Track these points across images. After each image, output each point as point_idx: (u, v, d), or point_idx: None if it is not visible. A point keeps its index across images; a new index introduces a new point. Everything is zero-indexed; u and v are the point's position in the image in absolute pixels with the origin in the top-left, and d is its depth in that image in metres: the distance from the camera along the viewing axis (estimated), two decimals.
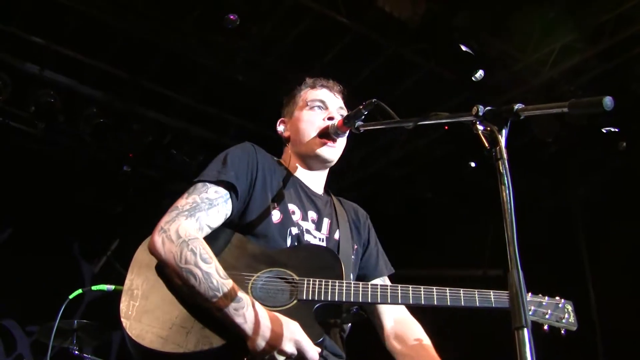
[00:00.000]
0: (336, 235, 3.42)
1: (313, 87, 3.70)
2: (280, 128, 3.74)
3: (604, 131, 8.65)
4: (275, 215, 3.22)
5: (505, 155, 2.20)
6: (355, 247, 3.51)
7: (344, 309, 3.15)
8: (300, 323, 2.75)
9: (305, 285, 2.92)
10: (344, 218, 3.54)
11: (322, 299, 2.90)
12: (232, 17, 7.71)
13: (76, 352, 7.23)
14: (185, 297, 2.80)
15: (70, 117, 9.25)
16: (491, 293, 3.04)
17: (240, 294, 2.74)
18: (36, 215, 10.16)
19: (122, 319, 2.74)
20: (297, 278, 2.94)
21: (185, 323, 2.72)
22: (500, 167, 2.18)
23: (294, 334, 2.69)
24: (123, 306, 2.78)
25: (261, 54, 8.71)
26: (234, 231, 3.14)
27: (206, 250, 2.83)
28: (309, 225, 3.35)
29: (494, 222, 9.34)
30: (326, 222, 3.45)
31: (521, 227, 2.08)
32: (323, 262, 3.07)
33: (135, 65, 8.91)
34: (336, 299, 2.92)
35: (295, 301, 2.86)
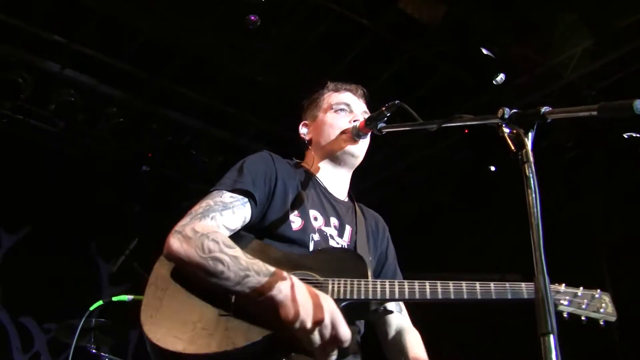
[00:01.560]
0: (357, 243, 3.40)
1: (337, 90, 3.69)
2: (302, 131, 3.71)
3: (625, 136, 8.59)
4: (296, 223, 3.19)
5: (531, 159, 2.18)
6: (370, 258, 3.44)
7: (370, 308, 3.11)
8: None
9: (330, 285, 2.87)
10: (362, 226, 3.51)
11: (349, 297, 2.85)
12: (252, 18, 7.72)
13: (94, 350, 7.23)
14: (207, 297, 2.74)
15: (90, 116, 9.28)
16: (523, 285, 2.94)
17: (271, 268, 2.69)
18: (54, 213, 10.21)
19: (143, 326, 2.69)
20: (322, 279, 2.90)
21: (207, 325, 2.67)
22: (527, 171, 2.15)
23: (330, 306, 2.60)
24: (144, 314, 2.73)
25: (281, 55, 8.71)
26: (254, 237, 3.11)
27: (228, 240, 2.80)
28: (332, 231, 3.32)
29: (512, 227, 9.34)
30: (348, 229, 3.42)
31: None
32: (346, 263, 3.02)
33: (155, 65, 8.92)
34: (362, 297, 2.87)
35: None
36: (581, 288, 3.12)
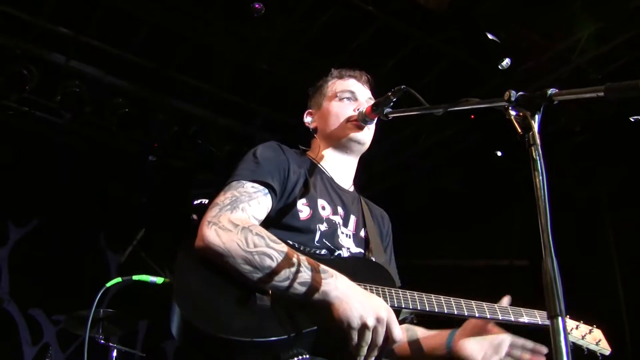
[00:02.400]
0: (362, 233, 3.40)
1: (341, 77, 3.69)
2: (307, 119, 3.71)
3: (632, 120, 8.55)
4: (304, 212, 3.17)
5: (538, 141, 2.15)
6: (386, 256, 3.48)
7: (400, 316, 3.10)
8: None
9: (368, 288, 2.86)
10: (369, 218, 3.51)
11: (397, 305, 2.88)
12: (257, 5, 7.70)
13: (102, 341, 7.24)
14: (250, 286, 2.69)
15: (96, 107, 9.26)
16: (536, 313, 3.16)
17: (323, 265, 2.70)
18: (62, 205, 10.23)
19: (180, 311, 2.59)
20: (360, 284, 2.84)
21: (248, 313, 2.61)
22: (534, 153, 2.13)
23: (387, 308, 2.61)
24: (180, 302, 2.62)
25: (287, 44, 8.69)
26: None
27: (272, 235, 2.78)
28: (338, 220, 3.31)
29: (520, 213, 9.34)
30: (353, 219, 3.41)
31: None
32: (369, 269, 3.08)
33: (160, 55, 8.91)
34: (396, 305, 2.87)
35: None
36: (581, 322, 3.35)
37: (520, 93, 2.33)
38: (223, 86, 9.49)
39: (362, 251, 3.33)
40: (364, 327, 2.55)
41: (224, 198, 2.94)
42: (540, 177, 2.09)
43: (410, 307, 2.90)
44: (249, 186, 3.01)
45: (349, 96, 3.57)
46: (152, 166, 10.37)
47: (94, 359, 7.29)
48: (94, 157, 10.31)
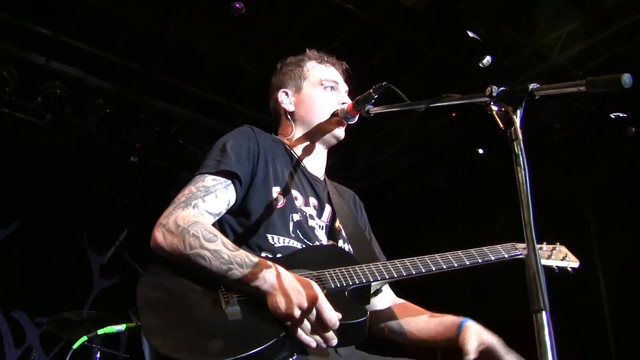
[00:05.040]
0: (336, 224, 3.38)
1: (321, 62, 3.64)
2: (282, 99, 3.61)
3: (613, 117, 8.61)
4: (279, 201, 3.16)
5: (520, 136, 2.17)
6: (368, 238, 3.48)
7: (370, 292, 3.11)
8: (338, 306, 2.63)
9: (328, 275, 2.86)
10: (342, 205, 3.47)
11: (351, 283, 2.86)
12: (237, 5, 7.68)
13: (85, 343, 7.20)
14: (210, 291, 2.68)
15: (77, 108, 9.25)
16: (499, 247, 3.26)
17: (255, 259, 2.68)
18: (44, 206, 10.20)
19: (146, 337, 2.50)
20: (315, 272, 2.87)
21: (221, 328, 2.55)
22: (516, 148, 2.15)
23: (316, 293, 2.57)
24: (144, 324, 2.54)
25: (269, 43, 8.67)
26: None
27: (209, 231, 2.77)
28: (311, 211, 3.30)
29: (502, 210, 9.37)
30: (328, 209, 3.41)
31: None
32: (332, 256, 3.06)
33: (142, 55, 8.88)
34: (364, 281, 2.88)
35: (325, 292, 2.70)
36: (544, 243, 3.41)
37: (502, 88, 2.34)
38: (205, 86, 9.47)
39: (335, 243, 3.31)
40: (290, 316, 2.54)
41: (181, 195, 2.96)
42: (523, 172, 2.10)
43: (371, 280, 2.91)
44: (210, 179, 3.02)
45: (333, 86, 3.54)
46: (135, 167, 10.34)
47: None
48: (75, 159, 10.25)
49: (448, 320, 3.21)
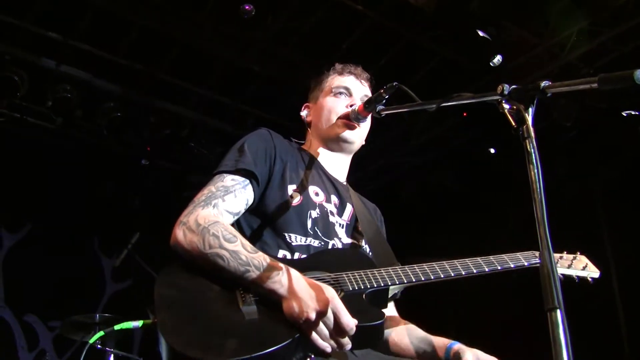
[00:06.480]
0: (357, 224, 3.38)
1: (340, 73, 3.67)
2: (303, 113, 3.72)
3: (624, 114, 8.58)
4: (295, 198, 3.17)
5: (532, 134, 2.16)
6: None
7: (388, 296, 3.09)
8: (355, 309, 2.63)
9: (347, 277, 2.86)
10: (363, 211, 3.48)
11: (369, 286, 2.85)
12: (247, 7, 7.69)
13: (99, 346, 7.21)
14: (227, 290, 2.68)
15: (87, 111, 9.29)
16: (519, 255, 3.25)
17: (273, 262, 2.69)
18: (55, 211, 10.21)
19: (162, 334, 2.51)
20: (333, 275, 2.87)
21: (238, 326, 2.55)
22: (528, 146, 2.14)
23: (332, 298, 2.56)
24: (161, 321, 2.55)
25: (277, 44, 8.68)
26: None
27: (229, 231, 2.77)
28: (332, 208, 3.32)
29: (513, 209, 9.34)
30: (349, 208, 3.42)
31: None
32: (351, 258, 3.07)
33: (151, 58, 8.90)
34: (382, 284, 2.88)
35: (342, 294, 2.74)
36: (564, 252, 3.42)
37: (513, 86, 2.33)
38: (214, 88, 9.48)
39: (355, 242, 3.32)
40: (304, 321, 2.53)
41: (201, 194, 2.98)
42: (536, 170, 2.09)
43: (389, 284, 2.91)
44: (229, 179, 3.04)
45: (343, 91, 3.56)
46: (145, 170, 10.35)
47: None
48: (86, 162, 10.28)
49: (439, 341, 3.26)
